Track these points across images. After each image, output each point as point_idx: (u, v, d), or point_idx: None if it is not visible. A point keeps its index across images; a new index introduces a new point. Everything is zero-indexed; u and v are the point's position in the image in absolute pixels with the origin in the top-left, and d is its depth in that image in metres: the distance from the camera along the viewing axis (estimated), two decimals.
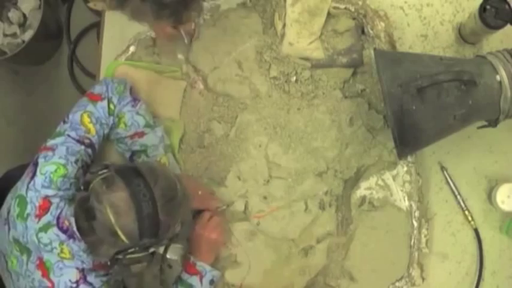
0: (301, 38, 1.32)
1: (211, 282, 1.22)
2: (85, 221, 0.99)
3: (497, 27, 1.20)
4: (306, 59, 1.33)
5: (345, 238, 1.29)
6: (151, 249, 1.00)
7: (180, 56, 1.36)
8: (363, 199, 1.31)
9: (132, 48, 1.36)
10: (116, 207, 0.95)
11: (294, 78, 1.33)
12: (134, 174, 0.98)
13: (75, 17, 2.28)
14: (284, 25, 1.33)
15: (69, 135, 1.12)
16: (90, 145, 1.15)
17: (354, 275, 1.28)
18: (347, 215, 1.30)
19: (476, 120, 1.16)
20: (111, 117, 1.20)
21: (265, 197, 1.30)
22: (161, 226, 0.97)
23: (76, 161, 1.09)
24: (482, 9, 1.19)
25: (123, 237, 0.95)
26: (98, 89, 1.21)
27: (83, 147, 1.12)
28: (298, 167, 1.31)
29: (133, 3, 1.02)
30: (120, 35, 1.38)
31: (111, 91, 1.21)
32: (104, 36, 1.40)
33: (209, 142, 1.33)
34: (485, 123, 1.18)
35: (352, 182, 1.31)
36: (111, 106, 1.19)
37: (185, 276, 1.20)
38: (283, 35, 1.33)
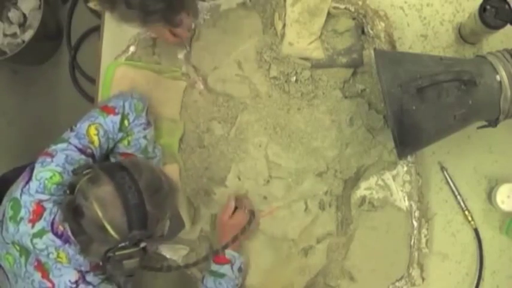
0: (301, 38, 1.32)
1: (240, 269, 1.22)
2: (73, 220, 0.98)
3: (497, 27, 1.20)
4: (306, 59, 1.33)
5: (345, 238, 1.29)
6: (143, 244, 0.99)
7: (180, 56, 1.36)
8: (363, 199, 1.31)
9: (132, 48, 1.36)
10: (102, 201, 0.95)
11: (294, 78, 1.33)
12: (118, 168, 0.99)
13: (76, 20, 2.28)
14: (284, 25, 1.33)
15: (71, 143, 1.11)
16: (92, 155, 1.14)
17: (354, 275, 1.28)
18: (347, 215, 1.30)
19: (476, 120, 1.16)
20: (121, 134, 1.19)
21: (265, 197, 1.31)
22: (149, 217, 0.97)
23: (73, 170, 1.08)
24: (482, 9, 1.19)
25: (111, 231, 0.95)
26: (113, 102, 1.20)
27: (83, 156, 1.11)
28: (298, 167, 1.31)
29: (119, 9, 1.03)
30: (120, 35, 1.38)
31: (130, 107, 1.19)
32: (104, 36, 1.40)
33: (209, 142, 1.33)
34: (485, 123, 1.18)
35: (352, 182, 1.31)
36: (125, 122, 1.19)
37: (216, 267, 1.20)
38: (283, 35, 1.33)
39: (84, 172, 1.00)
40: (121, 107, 1.19)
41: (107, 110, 1.18)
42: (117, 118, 1.18)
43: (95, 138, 1.15)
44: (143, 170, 0.99)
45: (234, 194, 1.29)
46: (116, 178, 0.96)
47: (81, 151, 1.11)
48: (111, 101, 1.20)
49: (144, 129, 1.22)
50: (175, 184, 1.07)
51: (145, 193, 0.96)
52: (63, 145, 1.11)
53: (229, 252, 1.21)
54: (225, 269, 1.20)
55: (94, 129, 1.15)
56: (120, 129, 1.18)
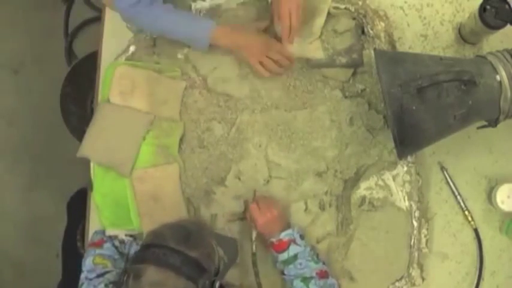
0: (301, 38, 1.31)
1: (302, 237, 1.21)
2: None
3: (497, 27, 1.20)
4: (306, 58, 1.33)
5: (345, 238, 1.29)
6: (217, 283, 0.98)
7: (180, 56, 1.36)
8: (363, 199, 1.31)
9: (132, 48, 1.36)
10: (155, 282, 0.92)
11: (294, 78, 1.33)
12: (144, 250, 0.97)
13: (73, 18, 2.29)
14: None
15: (87, 277, 1.15)
16: (110, 271, 1.16)
17: (354, 275, 1.28)
18: (347, 215, 1.30)
19: (476, 120, 1.16)
20: (123, 254, 1.25)
21: (265, 197, 1.30)
22: (201, 261, 0.95)
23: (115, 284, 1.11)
24: (482, 9, 1.19)
25: None
26: (95, 237, 1.28)
27: (103, 277, 1.14)
28: (298, 167, 1.31)
29: None
30: (120, 35, 1.38)
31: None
32: (104, 36, 1.40)
33: (209, 142, 1.33)
34: (485, 123, 1.18)
35: (352, 182, 1.31)
36: (116, 243, 1.26)
37: (283, 255, 1.19)
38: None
39: (124, 278, 0.98)
40: (104, 236, 1.26)
41: (97, 243, 1.25)
42: (109, 244, 1.24)
43: (105, 262, 1.19)
44: (163, 232, 0.98)
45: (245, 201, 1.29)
46: (149, 258, 0.94)
47: (100, 276, 1.14)
48: (93, 238, 1.28)
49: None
50: (199, 220, 1.09)
51: (181, 246, 0.94)
52: (84, 286, 1.14)
53: (284, 234, 1.20)
54: (292, 250, 1.19)
55: (98, 257, 1.20)
56: (118, 251, 1.25)
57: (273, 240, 1.20)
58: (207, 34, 1.25)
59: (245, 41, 1.27)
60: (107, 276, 1.14)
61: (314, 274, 1.17)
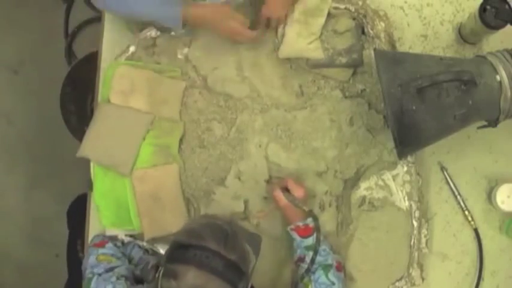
0: (301, 38, 1.31)
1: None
2: None
3: (497, 27, 1.20)
4: (306, 59, 1.33)
5: (345, 238, 1.29)
6: (249, 286, 0.96)
7: (180, 56, 1.36)
8: (363, 199, 1.31)
9: (132, 48, 1.36)
10: (197, 286, 0.89)
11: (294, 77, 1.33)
12: (181, 248, 0.93)
13: (73, 18, 2.29)
14: (284, 25, 1.33)
15: (93, 272, 1.14)
16: (118, 266, 1.16)
17: (354, 275, 1.28)
18: (347, 215, 1.30)
19: (476, 120, 1.16)
20: (125, 256, 1.25)
21: (265, 197, 1.31)
22: (239, 264, 0.92)
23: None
24: (482, 9, 1.19)
25: None
26: (96, 239, 1.27)
27: (112, 271, 1.13)
28: (298, 167, 1.31)
29: None
30: (120, 35, 1.38)
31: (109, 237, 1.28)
32: (104, 36, 1.40)
33: (209, 142, 1.33)
34: (485, 123, 1.18)
35: (352, 182, 1.31)
36: (118, 244, 1.27)
37: (308, 240, 1.18)
38: (283, 35, 1.33)
39: (157, 275, 0.95)
40: (104, 238, 1.26)
41: (99, 244, 1.25)
42: (111, 244, 1.24)
43: (110, 259, 1.18)
44: (200, 231, 0.94)
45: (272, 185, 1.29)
46: (190, 260, 0.90)
47: (108, 270, 1.13)
48: (94, 239, 1.28)
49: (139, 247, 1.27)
50: (229, 218, 1.04)
51: (221, 248, 0.91)
52: (92, 282, 1.12)
53: (310, 220, 1.19)
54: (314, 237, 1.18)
55: (102, 255, 1.19)
56: (122, 252, 1.24)
57: (300, 224, 1.20)
58: (179, 14, 1.22)
59: (211, 14, 1.25)
60: (117, 270, 1.13)
61: (334, 262, 1.17)
